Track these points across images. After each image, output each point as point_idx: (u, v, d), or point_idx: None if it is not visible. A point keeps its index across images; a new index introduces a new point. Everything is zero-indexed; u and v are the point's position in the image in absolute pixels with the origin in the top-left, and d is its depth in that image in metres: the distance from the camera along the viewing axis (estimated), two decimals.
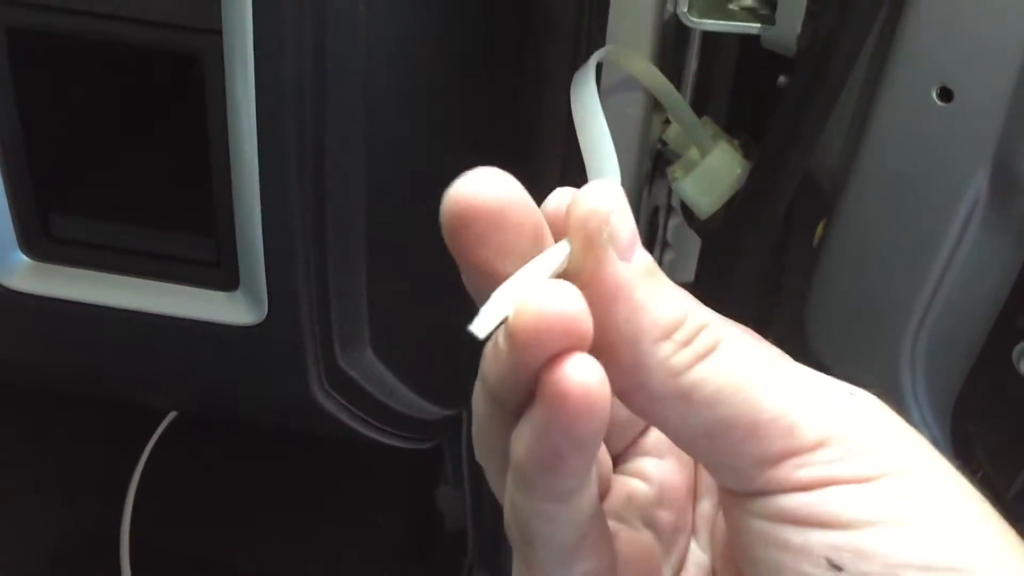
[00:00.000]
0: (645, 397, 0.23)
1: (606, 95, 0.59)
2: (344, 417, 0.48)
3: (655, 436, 0.30)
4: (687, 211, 0.65)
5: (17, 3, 0.37)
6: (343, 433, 0.50)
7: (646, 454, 0.30)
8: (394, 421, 0.54)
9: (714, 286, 0.62)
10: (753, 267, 0.60)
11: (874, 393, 0.26)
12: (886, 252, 0.52)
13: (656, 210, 0.73)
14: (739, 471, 0.23)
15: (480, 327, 0.22)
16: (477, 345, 0.25)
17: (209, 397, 0.49)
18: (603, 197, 0.24)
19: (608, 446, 0.30)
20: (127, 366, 0.47)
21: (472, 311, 0.22)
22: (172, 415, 0.76)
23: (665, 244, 0.79)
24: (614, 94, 0.58)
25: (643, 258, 0.24)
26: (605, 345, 0.23)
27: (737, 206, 0.61)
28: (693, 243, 0.74)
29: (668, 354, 0.23)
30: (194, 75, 0.38)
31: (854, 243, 0.54)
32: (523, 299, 0.22)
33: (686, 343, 0.23)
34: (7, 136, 0.40)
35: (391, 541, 0.86)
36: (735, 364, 0.23)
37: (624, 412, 0.26)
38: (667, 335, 0.23)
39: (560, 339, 0.21)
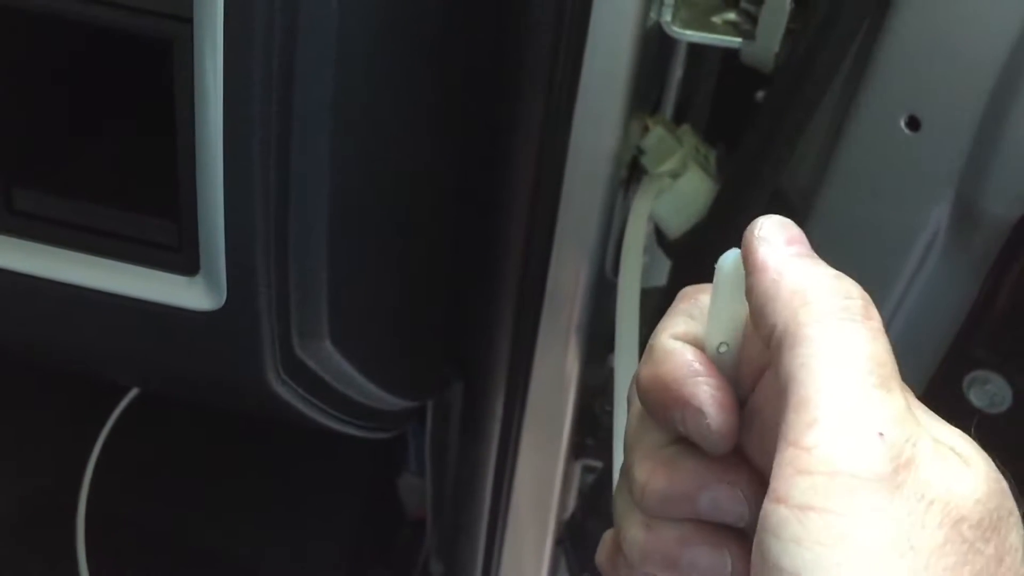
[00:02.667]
0: None
1: (584, 98, 0.59)
2: (300, 405, 0.48)
3: None
4: (658, 230, 0.66)
5: None
6: (300, 421, 0.50)
7: None
8: (353, 411, 0.55)
9: None
10: None
11: None
12: (847, 274, 0.53)
13: None
14: None
15: None
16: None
17: (166, 379, 0.49)
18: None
19: None
20: (86, 343, 0.47)
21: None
22: (136, 389, 0.76)
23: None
24: (591, 98, 0.59)
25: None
26: None
27: (707, 219, 0.62)
28: None
29: None
30: (164, 59, 0.39)
31: None
32: None
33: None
34: None
35: (350, 526, 0.87)
36: None
37: None
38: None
39: None
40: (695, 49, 0.68)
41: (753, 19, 0.57)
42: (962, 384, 0.51)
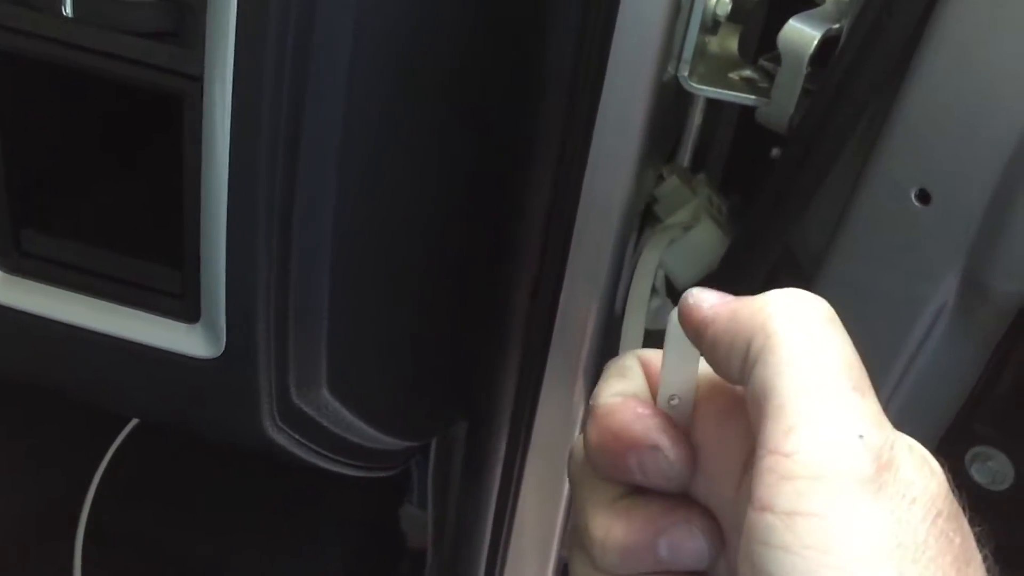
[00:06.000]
0: None
1: (598, 143, 0.59)
2: (296, 450, 0.49)
3: None
4: (668, 281, 0.66)
5: (3, 27, 0.37)
6: (296, 463, 0.50)
7: None
8: (351, 453, 0.55)
9: None
10: None
11: None
12: (853, 341, 0.52)
13: None
14: None
15: None
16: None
17: (165, 419, 0.50)
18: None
19: None
20: (87, 381, 0.47)
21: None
22: None
23: (652, 291, 0.79)
24: (605, 148, 0.59)
25: None
26: None
27: (716, 272, 0.61)
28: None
29: None
30: (174, 111, 0.39)
31: None
32: None
33: None
34: None
35: (351, 553, 0.87)
36: None
37: None
38: None
39: None
40: (714, 100, 0.68)
41: (770, 76, 0.57)
42: (964, 459, 0.50)
